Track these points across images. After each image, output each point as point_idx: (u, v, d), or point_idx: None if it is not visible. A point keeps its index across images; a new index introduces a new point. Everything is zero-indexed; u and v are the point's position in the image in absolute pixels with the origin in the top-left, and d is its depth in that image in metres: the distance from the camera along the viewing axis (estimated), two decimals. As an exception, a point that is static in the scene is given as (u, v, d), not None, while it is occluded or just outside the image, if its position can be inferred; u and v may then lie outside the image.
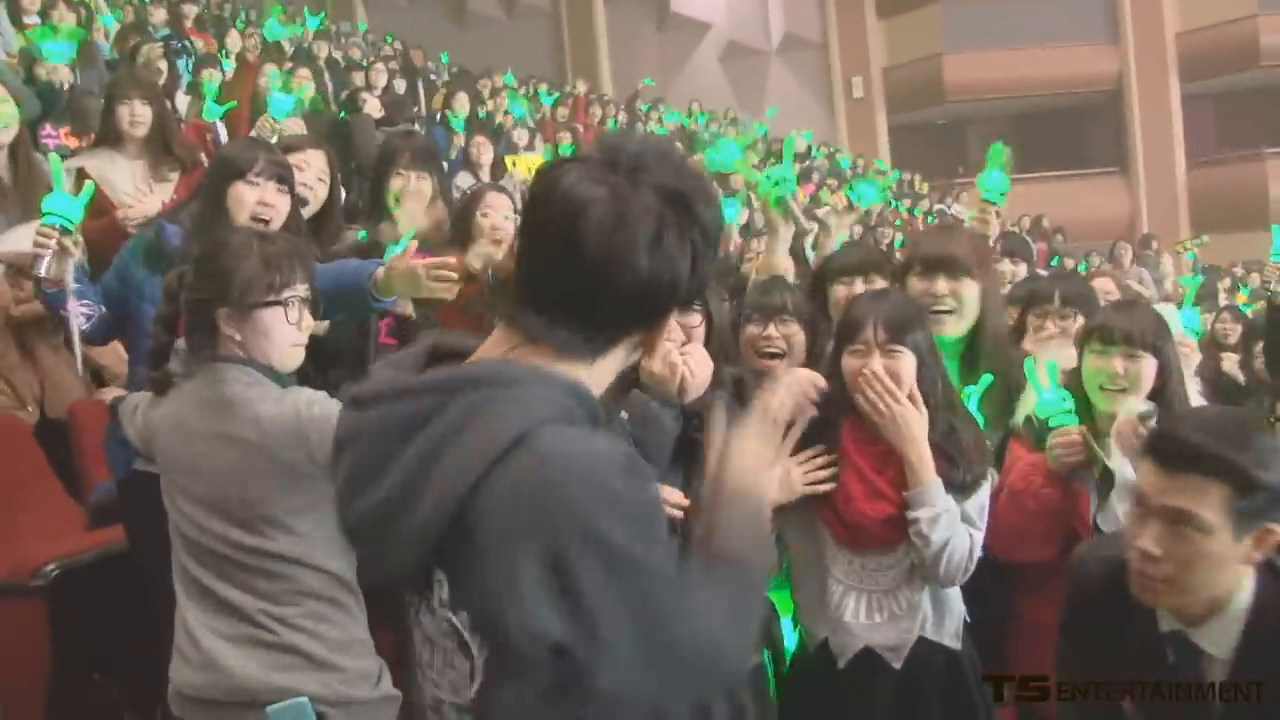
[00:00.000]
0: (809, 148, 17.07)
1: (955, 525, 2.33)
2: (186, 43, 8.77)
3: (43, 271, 2.83)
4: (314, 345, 2.42)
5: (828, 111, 21.47)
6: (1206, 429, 1.77)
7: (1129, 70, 20.85)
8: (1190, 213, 20.36)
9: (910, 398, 2.35)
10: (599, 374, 1.29)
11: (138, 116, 4.08)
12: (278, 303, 2.21)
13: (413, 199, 3.52)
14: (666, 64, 20.33)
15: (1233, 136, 20.85)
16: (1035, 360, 2.68)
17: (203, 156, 4.55)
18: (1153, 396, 2.53)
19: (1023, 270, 4.10)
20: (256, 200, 2.85)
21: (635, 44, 20.25)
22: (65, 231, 2.82)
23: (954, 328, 2.73)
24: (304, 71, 7.37)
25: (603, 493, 1.16)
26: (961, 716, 2.38)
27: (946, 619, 2.40)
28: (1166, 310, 2.97)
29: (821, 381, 2.39)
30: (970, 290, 2.74)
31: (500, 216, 3.56)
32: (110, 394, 3.51)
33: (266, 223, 2.84)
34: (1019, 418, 2.66)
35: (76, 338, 3.04)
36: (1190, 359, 3.15)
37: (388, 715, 2.23)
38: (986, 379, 2.62)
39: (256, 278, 2.19)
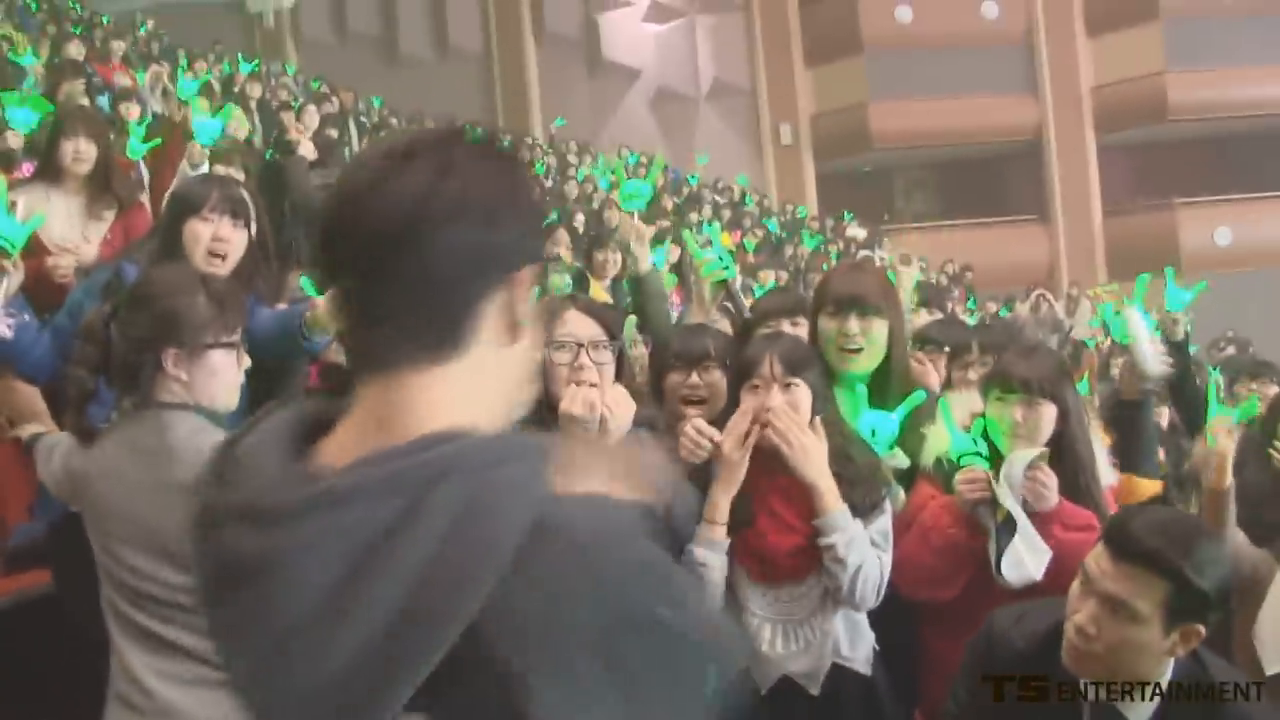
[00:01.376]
0: (743, 194, 17.29)
1: (866, 548, 2.40)
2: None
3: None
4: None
5: (756, 157, 21.75)
6: (1159, 529, 1.91)
7: (1047, 121, 21.43)
8: (1107, 259, 20.88)
9: (812, 427, 2.43)
10: (488, 385, 1.05)
11: (82, 153, 4.02)
12: (230, 344, 2.21)
13: None
14: (597, 109, 20.52)
15: (1146, 186, 21.49)
16: (949, 404, 2.76)
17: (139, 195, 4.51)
18: (1054, 440, 2.59)
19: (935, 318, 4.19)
20: (211, 236, 2.85)
21: (566, 89, 20.40)
22: (5, 255, 2.80)
23: (863, 364, 2.77)
24: (237, 111, 7.32)
25: (649, 572, 0.99)
26: None
27: (859, 644, 2.47)
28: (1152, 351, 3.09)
29: (716, 435, 2.44)
30: (880, 329, 2.78)
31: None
32: (28, 430, 3.44)
33: (223, 258, 2.85)
34: (929, 458, 2.72)
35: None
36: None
37: None
38: (919, 395, 2.67)
39: (211, 318, 2.17)
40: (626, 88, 21.21)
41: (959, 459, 2.60)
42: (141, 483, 2.14)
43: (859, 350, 2.76)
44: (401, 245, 0.98)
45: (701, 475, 2.48)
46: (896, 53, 20.63)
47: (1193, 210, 20.36)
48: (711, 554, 2.39)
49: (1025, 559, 2.43)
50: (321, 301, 2.75)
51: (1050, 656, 2.01)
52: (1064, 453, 2.60)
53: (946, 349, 3.45)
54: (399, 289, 0.99)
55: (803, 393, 2.47)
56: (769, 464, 2.46)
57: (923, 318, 4.35)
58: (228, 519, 0.96)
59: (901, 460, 2.72)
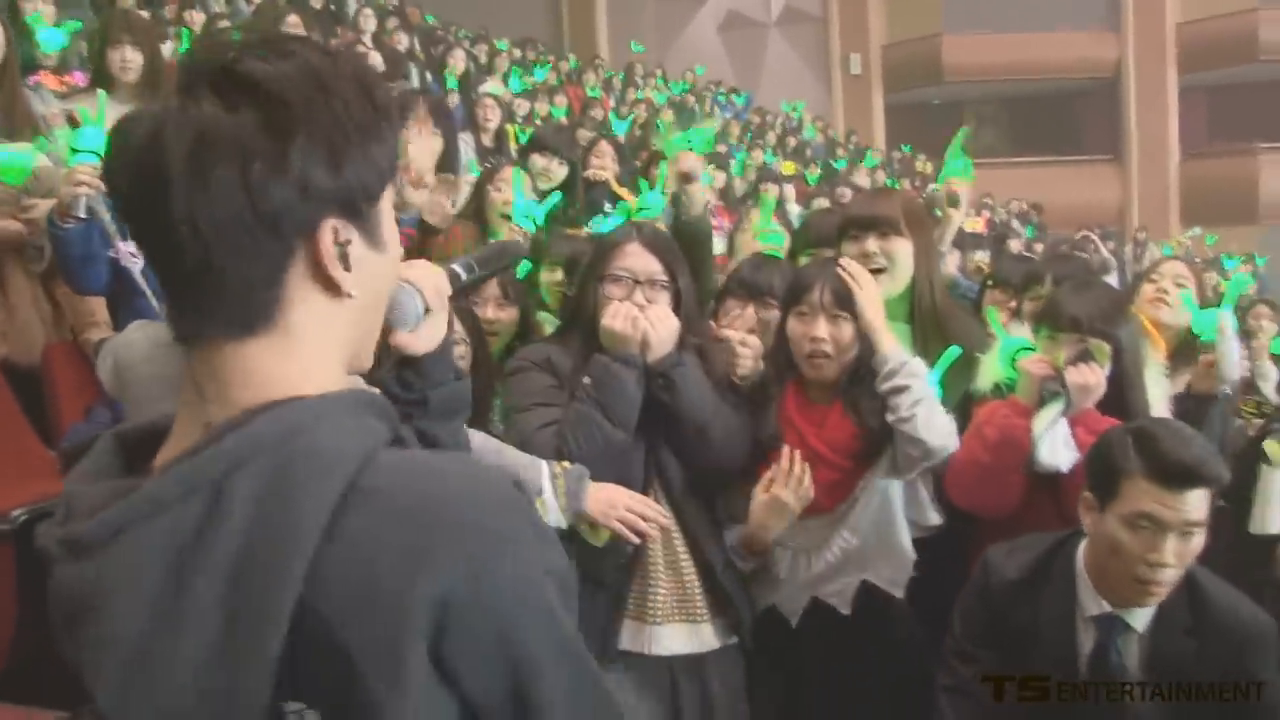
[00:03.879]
0: (800, 123, 17.01)
1: (928, 387, 2.42)
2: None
3: (81, 211, 2.82)
4: None
5: (824, 87, 21.39)
6: (1191, 445, 2.07)
7: (1127, 58, 20.80)
8: (1181, 204, 20.37)
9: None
10: (309, 347, 0.95)
11: (129, 61, 4.01)
12: None
13: (424, 153, 3.54)
14: (663, 31, 20.21)
15: (1226, 129, 20.85)
16: (1001, 326, 2.74)
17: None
18: (1108, 380, 2.51)
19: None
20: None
21: (634, 8, 20.10)
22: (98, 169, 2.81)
23: (888, 286, 2.70)
24: (293, 19, 7.26)
25: (501, 549, 0.89)
26: (906, 660, 2.50)
27: (893, 567, 2.49)
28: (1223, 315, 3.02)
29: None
30: (902, 248, 2.73)
31: (511, 192, 3.56)
32: (95, 335, 3.48)
33: None
34: (983, 383, 2.65)
35: (142, 282, 3.02)
36: None
37: None
38: (953, 351, 2.61)
39: None
40: (696, 9, 20.86)
41: (1015, 354, 2.57)
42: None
43: (881, 269, 2.70)
44: (171, 206, 0.87)
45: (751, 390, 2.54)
46: (973, -16, 20.11)
47: (1275, 155, 19.73)
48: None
49: (1060, 450, 2.44)
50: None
51: (1038, 582, 2.22)
52: (1117, 392, 2.52)
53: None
54: (186, 260, 0.89)
55: (850, 327, 2.46)
56: (807, 391, 2.50)
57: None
58: (55, 558, 0.92)
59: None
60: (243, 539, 0.85)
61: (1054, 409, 2.45)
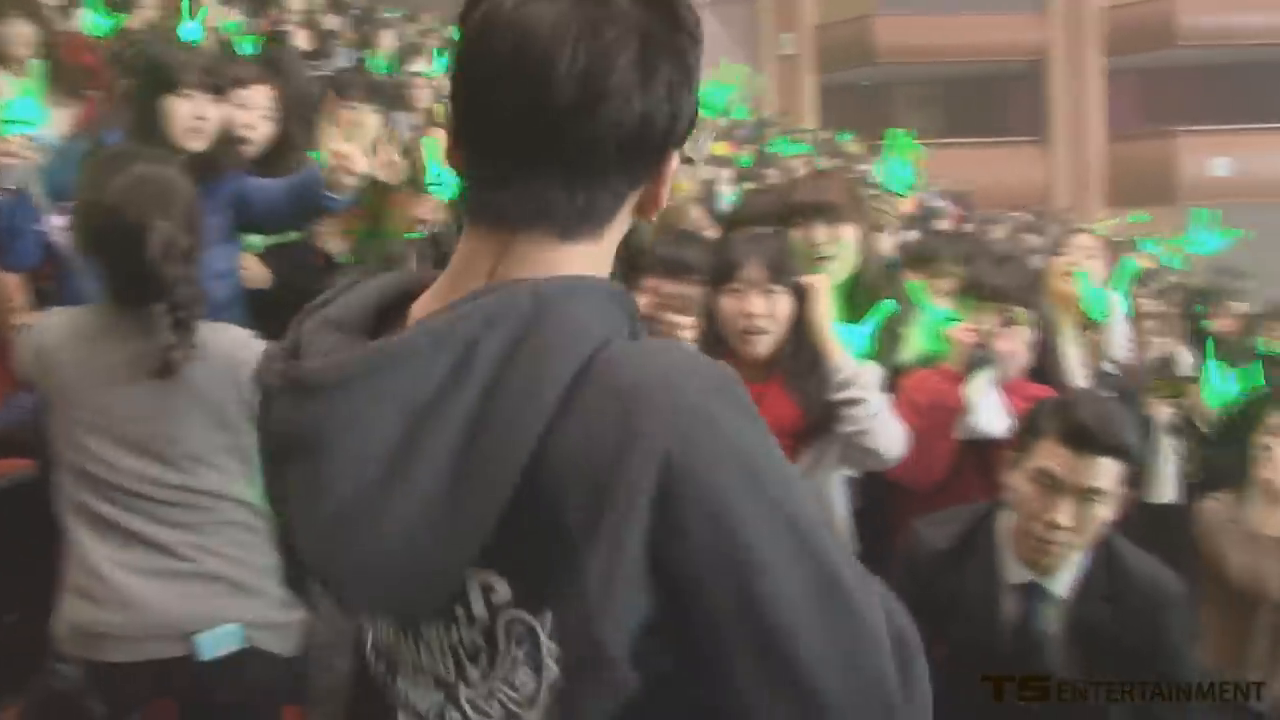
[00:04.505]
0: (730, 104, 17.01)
1: (881, 396, 2.43)
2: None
3: (11, 183, 2.77)
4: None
5: (755, 67, 21.42)
6: (1107, 416, 2.14)
7: (1053, 42, 21.09)
8: (1105, 186, 20.75)
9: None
10: (606, 257, 0.98)
11: (20, 36, 3.93)
12: None
13: (360, 132, 3.55)
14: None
15: (1150, 112, 21.28)
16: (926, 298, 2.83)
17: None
18: (1034, 350, 2.65)
19: None
20: (191, 113, 2.83)
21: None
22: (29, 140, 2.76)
23: (835, 273, 2.75)
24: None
25: (736, 424, 0.88)
26: None
27: None
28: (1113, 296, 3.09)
29: None
30: (849, 235, 2.77)
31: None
32: (17, 319, 3.42)
33: (202, 135, 2.86)
34: (909, 355, 2.75)
35: (72, 259, 2.95)
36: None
37: (296, 638, 2.26)
38: (888, 304, 2.65)
39: None
40: (628, -11, 20.77)
41: (941, 326, 2.66)
42: (129, 374, 2.12)
43: (829, 259, 2.74)
44: (567, 127, 0.89)
45: None
46: (904, -35, 20.25)
47: (1193, 139, 20.17)
48: None
49: (996, 417, 2.51)
50: (333, 165, 2.87)
51: (964, 553, 2.26)
52: (1040, 359, 2.67)
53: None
54: (549, 169, 0.91)
55: (784, 300, 2.44)
56: (741, 368, 2.46)
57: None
58: (281, 392, 0.93)
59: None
60: (482, 401, 0.85)
61: (984, 375, 2.55)
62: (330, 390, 0.88)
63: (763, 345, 2.45)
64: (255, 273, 3.24)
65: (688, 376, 0.88)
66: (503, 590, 0.89)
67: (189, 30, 4.85)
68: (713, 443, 0.85)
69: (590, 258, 0.95)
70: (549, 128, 0.89)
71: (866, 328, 2.63)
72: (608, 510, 0.83)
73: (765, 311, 2.42)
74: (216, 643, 2.12)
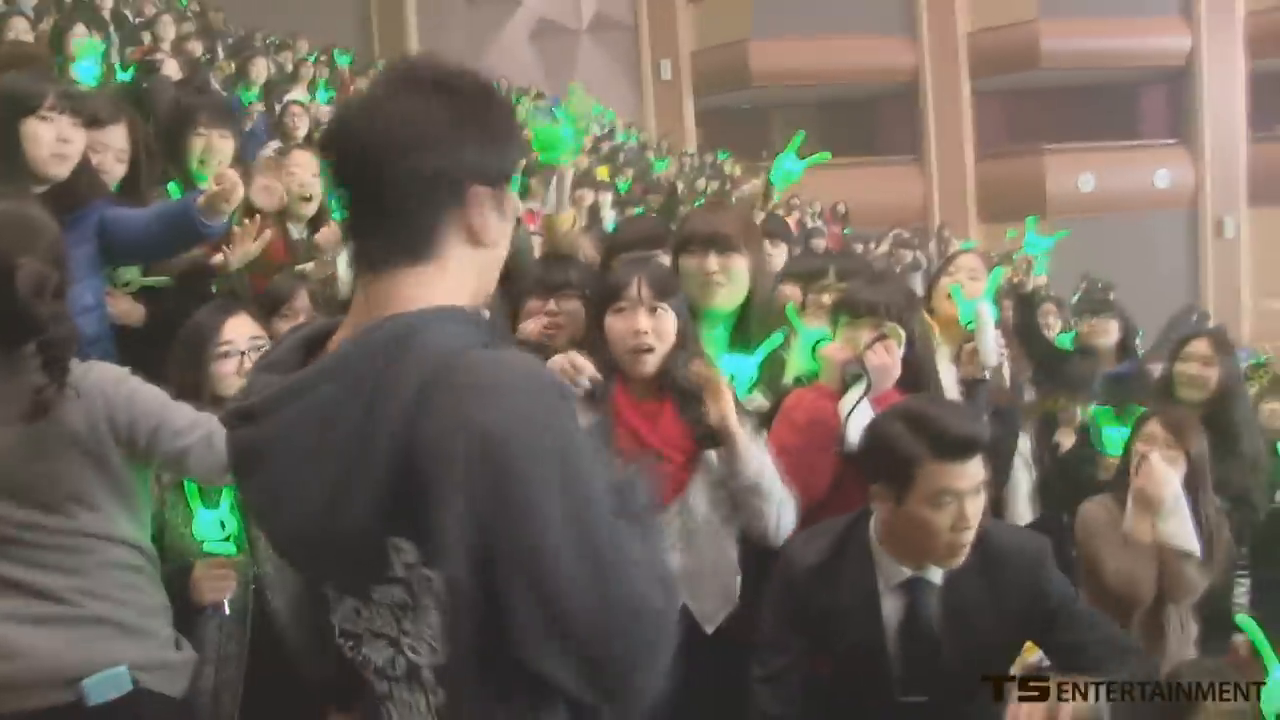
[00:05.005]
0: (612, 129, 17.17)
1: (779, 482, 2.46)
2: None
3: None
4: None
5: (636, 93, 21.62)
6: (965, 416, 2.30)
7: (924, 64, 21.70)
8: (977, 202, 21.38)
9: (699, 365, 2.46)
10: (457, 277, 1.29)
11: None
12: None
13: (217, 159, 3.49)
14: (476, 39, 20.09)
15: (1017, 131, 22.03)
16: (800, 321, 2.86)
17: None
18: (906, 358, 2.67)
19: (782, 250, 4.23)
20: (55, 137, 2.72)
21: (445, 15, 19.91)
22: None
23: (725, 300, 2.79)
24: (79, 29, 6.93)
25: (540, 407, 1.15)
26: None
27: (713, 588, 2.47)
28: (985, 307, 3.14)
29: (590, 369, 2.45)
30: (740, 265, 2.80)
31: (308, 175, 3.52)
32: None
33: (67, 159, 2.76)
34: (789, 377, 2.79)
35: None
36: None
37: (187, 678, 2.22)
38: (777, 337, 2.72)
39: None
40: (507, 17, 20.80)
41: (816, 345, 2.70)
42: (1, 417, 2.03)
43: (720, 286, 2.77)
44: (376, 170, 1.23)
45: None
46: (778, -10, 20.64)
47: (1059, 157, 20.98)
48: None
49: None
50: (210, 189, 2.83)
51: (837, 563, 2.33)
52: (910, 377, 2.69)
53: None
54: (377, 206, 1.25)
55: (670, 318, 2.48)
56: (633, 385, 2.50)
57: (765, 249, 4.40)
58: (236, 423, 1.28)
59: (762, 403, 2.75)
60: (365, 411, 1.16)
61: (857, 390, 2.58)
62: (263, 416, 1.24)
63: (650, 363, 2.47)
64: (126, 309, 3.15)
65: (513, 377, 1.16)
66: (409, 551, 1.19)
67: (84, 70, 4.73)
68: (521, 427, 1.12)
69: (438, 281, 1.27)
70: (363, 183, 1.26)
71: (755, 357, 2.67)
72: (447, 478, 1.11)
73: (651, 329, 2.45)
74: (104, 687, 2.06)
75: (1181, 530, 2.94)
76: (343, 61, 12.87)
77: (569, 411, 1.18)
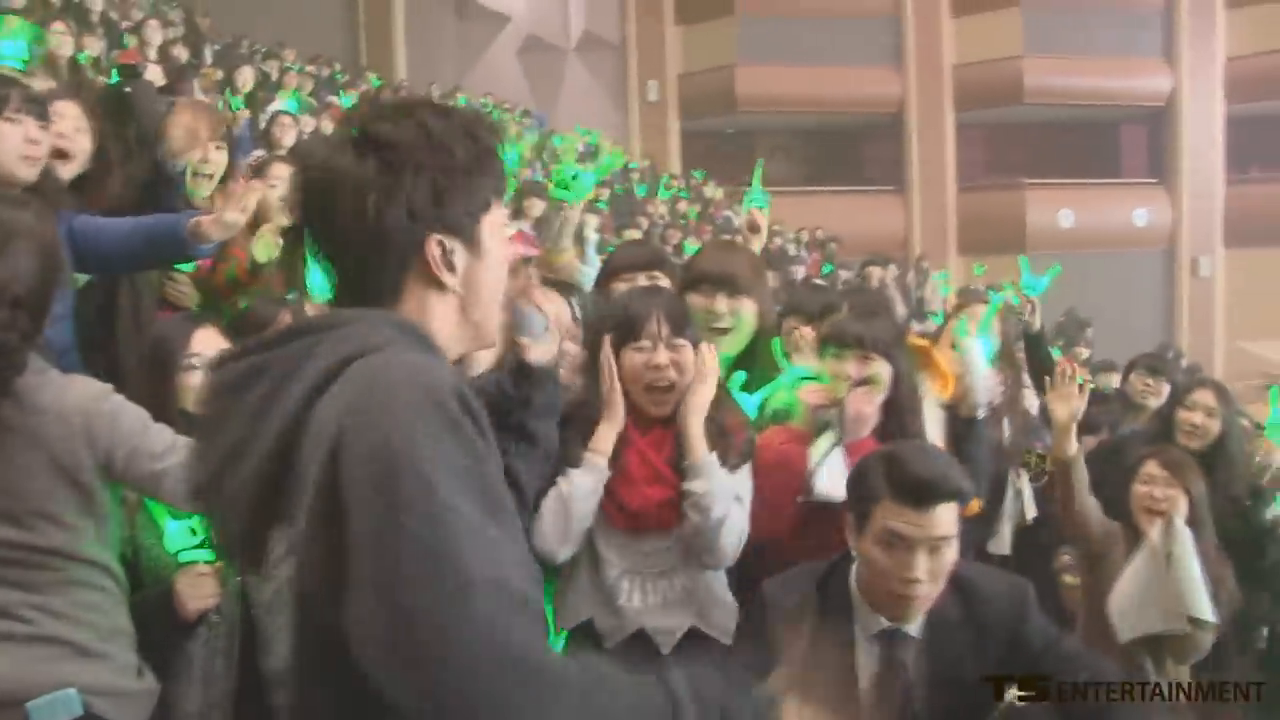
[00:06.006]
0: (596, 149, 17.14)
1: (730, 502, 2.40)
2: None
3: None
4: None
5: (621, 113, 21.66)
6: (934, 463, 2.17)
7: (909, 95, 21.84)
8: (958, 234, 21.49)
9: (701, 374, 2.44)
10: (421, 316, 1.33)
11: None
12: None
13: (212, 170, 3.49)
14: (464, 53, 20.10)
15: (998, 165, 22.18)
16: (785, 354, 2.83)
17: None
18: (884, 404, 2.63)
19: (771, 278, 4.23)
20: (22, 139, 2.69)
21: (433, 29, 19.91)
22: None
23: (730, 345, 2.78)
24: (58, 25, 6.87)
25: (401, 414, 1.14)
26: None
27: (720, 613, 2.46)
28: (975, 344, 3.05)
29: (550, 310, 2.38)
30: (748, 308, 2.80)
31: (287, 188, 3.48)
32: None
33: (36, 160, 2.74)
34: (768, 410, 2.75)
35: None
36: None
37: (148, 709, 2.16)
38: (778, 382, 2.71)
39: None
40: (495, 33, 20.82)
41: (797, 383, 2.66)
42: None
43: (727, 330, 2.76)
44: (329, 225, 1.30)
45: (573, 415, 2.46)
46: (767, 18, 20.71)
47: (1039, 191, 21.12)
48: (589, 479, 2.38)
49: (838, 480, 2.45)
50: (211, 218, 2.83)
51: (819, 608, 2.24)
52: (891, 416, 2.65)
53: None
54: (334, 257, 1.32)
55: (688, 352, 2.45)
56: (643, 415, 2.47)
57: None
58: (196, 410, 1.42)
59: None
60: (272, 383, 1.23)
61: (828, 439, 2.54)
62: (214, 368, 1.32)
63: (671, 400, 2.45)
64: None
65: (391, 378, 1.18)
66: (281, 540, 1.24)
67: (10, 49, 4.60)
68: (369, 431, 1.13)
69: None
70: (316, 234, 1.32)
71: (756, 398, 2.66)
72: (312, 466, 1.16)
73: (671, 363, 2.43)
74: (51, 710, 2.00)
75: (1200, 600, 2.90)
76: (345, 102, 12.62)
77: (442, 423, 1.14)
